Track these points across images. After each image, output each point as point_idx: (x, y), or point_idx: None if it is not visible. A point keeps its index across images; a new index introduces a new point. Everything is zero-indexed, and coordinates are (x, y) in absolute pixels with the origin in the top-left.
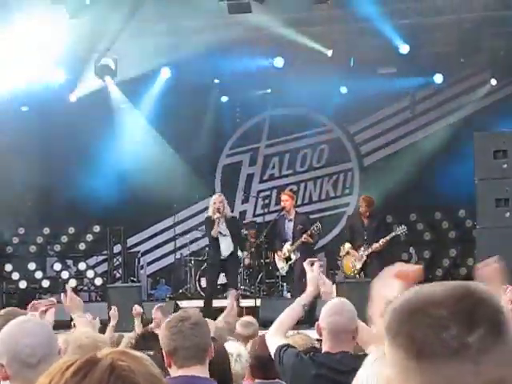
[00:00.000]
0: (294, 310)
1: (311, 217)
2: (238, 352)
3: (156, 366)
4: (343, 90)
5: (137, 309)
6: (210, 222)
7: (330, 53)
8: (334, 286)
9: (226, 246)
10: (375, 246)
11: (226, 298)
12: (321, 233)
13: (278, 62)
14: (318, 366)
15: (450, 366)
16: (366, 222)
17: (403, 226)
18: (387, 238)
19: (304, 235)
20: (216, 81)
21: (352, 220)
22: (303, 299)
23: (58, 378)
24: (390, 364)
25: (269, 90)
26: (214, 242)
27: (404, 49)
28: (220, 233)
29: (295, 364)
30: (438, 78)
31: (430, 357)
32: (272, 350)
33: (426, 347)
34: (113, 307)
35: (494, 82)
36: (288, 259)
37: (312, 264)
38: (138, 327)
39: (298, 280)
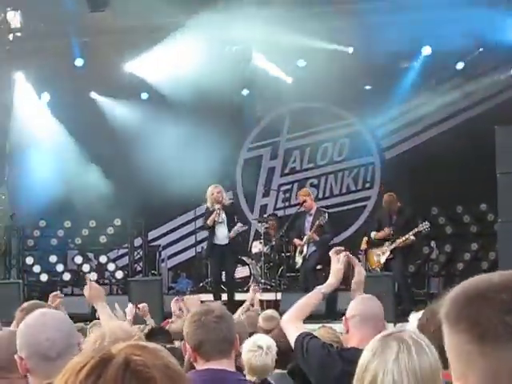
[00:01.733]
0: (312, 297)
1: (332, 210)
2: (267, 344)
3: (173, 357)
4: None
5: (143, 308)
6: (208, 214)
7: (350, 49)
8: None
9: (223, 234)
10: (399, 241)
11: (246, 291)
12: (328, 223)
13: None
14: (345, 361)
15: None
16: (394, 219)
17: (426, 222)
18: (410, 233)
19: (312, 229)
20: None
21: (380, 214)
22: (324, 287)
23: (73, 378)
24: (450, 349)
25: (290, 80)
26: (211, 232)
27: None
28: (216, 221)
29: (323, 357)
30: (460, 65)
31: (493, 340)
32: (291, 337)
33: (489, 331)
34: (129, 304)
35: None
36: (301, 252)
37: (338, 253)
38: (151, 324)
39: (311, 272)
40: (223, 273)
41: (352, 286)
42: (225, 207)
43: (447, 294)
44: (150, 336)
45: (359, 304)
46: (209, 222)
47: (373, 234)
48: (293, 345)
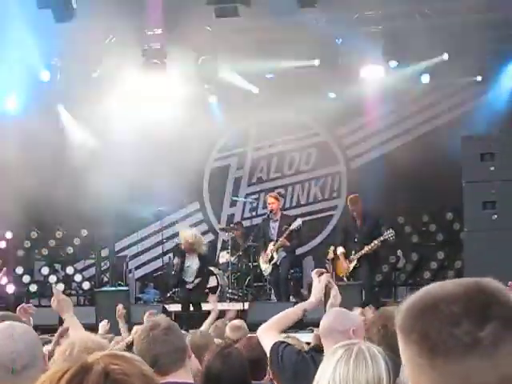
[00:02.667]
0: (293, 312)
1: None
2: None
3: (147, 365)
4: (331, 95)
5: (120, 309)
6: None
7: (316, 62)
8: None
9: (191, 273)
10: (365, 250)
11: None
12: (301, 231)
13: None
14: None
15: (463, 361)
16: (359, 224)
17: (391, 231)
18: (375, 242)
19: (281, 238)
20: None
21: (345, 222)
22: (305, 305)
23: None
24: (404, 360)
25: (256, 91)
26: (178, 268)
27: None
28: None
29: (297, 362)
30: (425, 78)
31: (443, 353)
32: (267, 345)
33: (439, 344)
34: (105, 321)
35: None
36: (271, 259)
37: (320, 275)
38: (124, 328)
39: (283, 280)
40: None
41: (327, 307)
42: (200, 255)
43: (401, 304)
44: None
45: (325, 318)
46: (175, 262)
47: (339, 251)
48: (268, 353)
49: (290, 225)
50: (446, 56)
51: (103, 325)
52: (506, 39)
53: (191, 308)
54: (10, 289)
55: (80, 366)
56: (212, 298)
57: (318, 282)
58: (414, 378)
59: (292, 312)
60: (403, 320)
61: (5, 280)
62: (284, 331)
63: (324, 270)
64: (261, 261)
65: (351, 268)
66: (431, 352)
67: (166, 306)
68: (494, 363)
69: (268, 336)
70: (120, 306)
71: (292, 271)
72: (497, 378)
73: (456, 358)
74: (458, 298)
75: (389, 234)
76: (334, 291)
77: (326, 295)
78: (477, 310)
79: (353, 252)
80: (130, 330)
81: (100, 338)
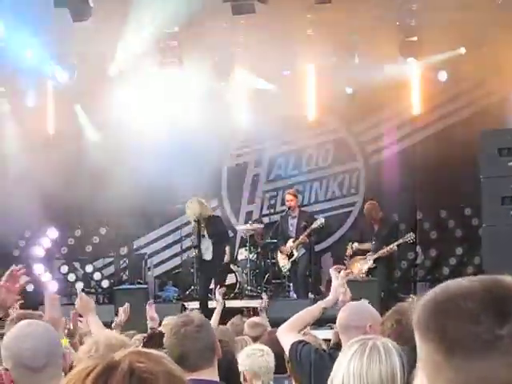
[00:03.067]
0: (312, 311)
1: (317, 216)
2: (266, 348)
3: (174, 363)
4: (348, 91)
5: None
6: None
7: (334, 58)
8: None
9: (207, 249)
10: (382, 251)
11: (232, 298)
12: (324, 228)
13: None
14: None
15: (482, 359)
16: (376, 228)
17: (411, 234)
18: (395, 244)
19: (305, 232)
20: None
21: (362, 225)
22: (324, 303)
23: None
24: (420, 357)
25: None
26: (197, 245)
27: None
28: (202, 235)
29: (315, 360)
30: (442, 75)
31: (462, 351)
32: (286, 345)
33: (457, 342)
34: (126, 305)
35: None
36: (290, 256)
37: (339, 271)
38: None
39: (302, 277)
40: (211, 282)
41: (339, 305)
42: (208, 222)
43: (419, 300)
44: (149, 341)
45: (341, 314)
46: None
47: (355, 246)
48: (287, 352)
49: (308, 222)
50: (462, 50)
51: (124, 308)
52: None
53: (209, 305)
54: (30, 287)
55: (106, 363)
56: (219, 290)
57: (337, 278)
58: (431, 376)
59: (311, 311)
60: (420, 317)
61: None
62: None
63: (342, 266)
64: (280, 258)
65: (365, 269)
66: (449, 350)
67: (185, 304)
68: None
69: (287, 336)
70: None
71: (310, 268)
72: None
73: (475, 356)
74: (474, 294)
75: (409, 237)
76: (346, 289)
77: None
78: (495, 306)
79: (369, 254)
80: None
81: (123, 336)
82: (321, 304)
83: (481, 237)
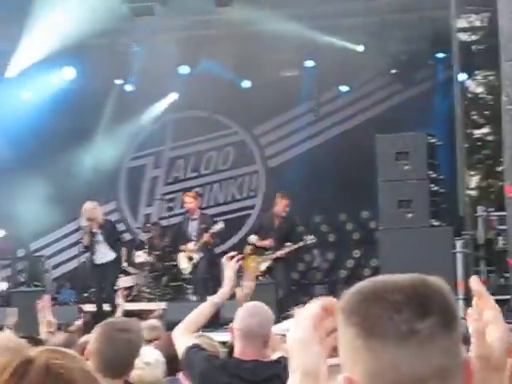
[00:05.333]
0: (205, 308)
1: (217, 219)
2: (155, 358)
3: (86, 362)
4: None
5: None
6: (84, 232)
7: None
8: (237, 288)
9: (101, 253)
10: (280, 252)
11: (130, 301)
12: (222, 232)
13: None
14: (228, 374)
15: (398, 348)
16: (277, 224)
17: (312, 236)
18: (295, 246)
19: (206, 234)
20: (118, 81)
21: (262, 219)
22: (216, 297)
23: None
24: (341, 342)
25: (175, 96)
26: (90, 250)
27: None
28: (94, 240)
29: (205, 370)
30: (343, 88)
31: (380, 337)
32: (180, 349)
33: (377, 327)
34: (13, 309)
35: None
36: (190, 259)
37: (230, 259)
38: (42, 325)
39: (202, 280)
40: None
41: (237, 297)
42: (101, 226)
43: (349, 289)
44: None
45: (245, 318)
46: (85, 242)
47: (254, 239)
48: (180, 357)
49: (209, 225)
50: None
51: (12, 313)
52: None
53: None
54: None
55: (21, 360)
56: (119, 293)
57: (230, 269)
58: (348, 360)
59: (205, 308)
60: (347, 302)
61: None
62: (199, 330)
63: (235, 253)
64: (180, 260)
65: (264, 267)
66: (369, 334)
67: (82, 306)
68: (428, 355)
69: (182, 338)
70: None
71: (210, 270)
72: (431, 369)
73: (392, 344)
74: (402, 288)
75: (309, 239)
76: (248, 282)
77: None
78: (419, 302)
79: (267, 251)
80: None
81: (21, 339)
82: (213, 299)
83: (378, 240)
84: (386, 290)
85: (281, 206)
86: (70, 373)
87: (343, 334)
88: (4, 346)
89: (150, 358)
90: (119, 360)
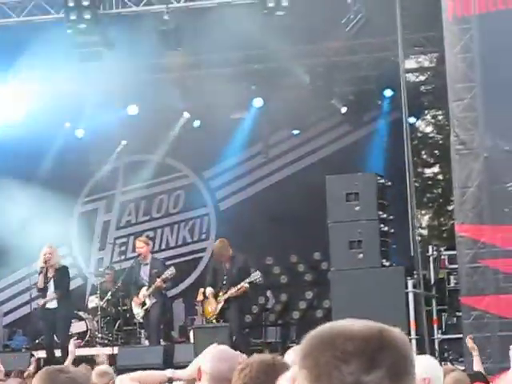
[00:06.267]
0: (160, 374)
1: (168, 263)
2: None
3: None
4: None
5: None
6: (40, 273)
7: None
8: (192, 331)
9: (50, 297)
10: (231, 291)
11: (82, 346)
12: (174, 277)
13: (132, 109)
14: None
15: None
16: (228, 266)
17: (257, 272)
18: (242, 283)
19: (158, 280)
20: (68, 124)
21: (213, 263)
22: (172, 373)
23: None
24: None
25: (124, 142)
26: (42, 294)
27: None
28: (48, 284)
29: None
30: (293, 130)
31: None
32: None
33: (324, 375)
34: None
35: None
36: (143, 304)
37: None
38: None
39: (155, 325)
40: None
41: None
42: (56, 270)
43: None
44: None
45: (213, 361)
46: (39, 284)
47: (208, 291)
48: None
49: (160, 269)
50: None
51: None
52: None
53: (57, 354)
54: None
55: None
56: (72, 341)
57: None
58: None
59: (158, 374)
60: (304, 344)
61: None
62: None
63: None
64: (133, 305)
65: (218, 309)
66: (315, 380)
67: (34, 353)
68: None
69: None
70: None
71: (163, 315)
72: None
73: None
74: (354, 337)
75: (256, 276)
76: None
77: None
78: (368, 354)
79: (220, 294)
80: None
81: None
82: (167, 373)
83: (330, 281)
84: (339, 339)
85: (216, 249)
86: None
87: (298, 375)
88: None
89: None
90: None
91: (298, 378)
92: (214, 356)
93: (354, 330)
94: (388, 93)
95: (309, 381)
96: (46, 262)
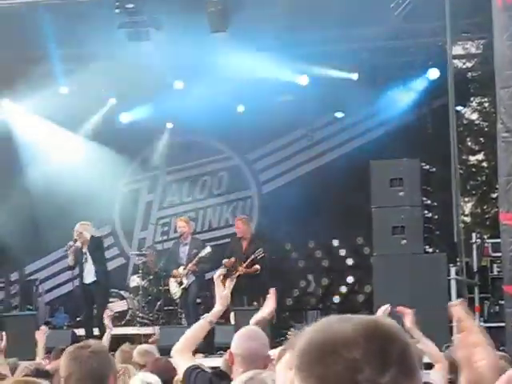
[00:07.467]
0: (200, 326)
1: (210, 244)
2: (155, 380)
3: None
4: (240, 108)
5: (42, 330)
6: (73, 251)
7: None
8: (232, 313)
9: (89, 272)
10: (241, 269)
11: (123, 325)
12: (213, 256)
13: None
14: None
15: None
16: (245, 246)
17: (260, 249)
18: (248, 261)
19: (193, 260)
20: (112, 101)
21: (232, 243)
22: (210, 315)
23: None
24: None
25: (170, 124)
26: (79, 271)
27: (303, 81)
28: (83, 260)
29: None
30: (338, 113)
31: None
32: (180, 368)
33: None
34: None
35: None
36: (181, 283)
37: (224, 280)
38: (41, 352)
39: (192, 304)
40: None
41: (255, 318)
42: (88, 244)
43: (298, 339)
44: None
45: (242, 342)
46: (69, 262)
47: (224, 262)
48: (181, 376)
49: (199, 249)
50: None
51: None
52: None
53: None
54: None
55: None
56: (108, 315)
57: (222, 287)
58: None
59: (199, 327)
60: (301, 361)
61: None
62: (196, 351)
63: (224, 271)
64: (171, 285)
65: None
66: None
67: (76, 331)
68: None
69: (181, 358)
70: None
71: (200, 295)
72: None
73: None
74: (357, 343)
75: (258, 252)
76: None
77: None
78: (377, 356)
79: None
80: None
81: None
82: (207, 318)
83: (372, 266)
84: (340, 347)
85: (237, 228)
86: None
87: (302, 381)
88: None
89: (150, 378)
90: (88, 374)
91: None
92: (242, 337)
93: (351, 333)
94: (434, 78)
95: None
96: (78, 238)
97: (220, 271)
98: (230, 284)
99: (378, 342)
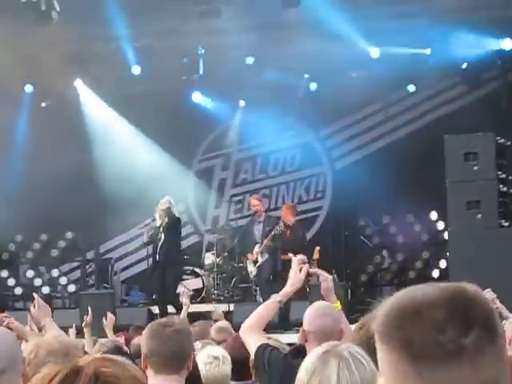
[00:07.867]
0: (268, 306)
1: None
2: (223, 355)
3: (138, 369)
4: (312, 86)
5: (111, 318)
6: (149, 229)
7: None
8: (307, 288)
9: (163, 250)
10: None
11: (198, 302)
12: (284, 233)
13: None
14: None
15: (447, 368)
16: (288, 234)
17: (280, 224)
18: (269, 237)
19: (267, 238)
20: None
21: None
22: (280, 295)
23: None
24: (384, 368)
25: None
26: (153, 248)
27: (374, 52)
28: (160, 237)
29: (285, 368)
30: (411, 87)
31: (427, 360)
32: (251, 346)
33: (423, 350)
34: (73, 328)
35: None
36: (256, 261)
37: (302, 264)
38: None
39: (267, 282)
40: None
41: (322, 293)
42: (167, 222)
43: (379, 307)
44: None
45: (314, 319)
46: (144, 239)
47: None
48: (253, 355)
49: (273, 226)
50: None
51: (72, 332)
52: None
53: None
54: None
55: (70, 369)
56: (186, 293)
57: (298, 269)
58: None
59: (268, 306)
60: (383, 326)
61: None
62: (267, 331)
63: (305, 258)
64: (247, 263)
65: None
66: (415, 359)
67: (152, 309)
68: (476, 369)
69: (251, 336)
70: (110, 316)
71: (275, 273)
72: (481, 383)
73: (440, 365)
74: (440, 305)
75: (277, 228)
76: (323, 276)
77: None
78: (460, 317)
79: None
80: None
81: (71, 340)
82: (276, 297)
83: (447, 241)
84: (422, 309)
85: (283, 214)
86: (119, 381)
87: (385, 358)
88: (47, 348)
89: (217, 352)
90: (170, 353)
91: (385, 361)
92: (313, 313)
93: (434, 296)
94: (508, 49)
95: (406, 361)
96: (154, 219)
97: (301, 257)
98: (305, 270)
99: (461, 303)
